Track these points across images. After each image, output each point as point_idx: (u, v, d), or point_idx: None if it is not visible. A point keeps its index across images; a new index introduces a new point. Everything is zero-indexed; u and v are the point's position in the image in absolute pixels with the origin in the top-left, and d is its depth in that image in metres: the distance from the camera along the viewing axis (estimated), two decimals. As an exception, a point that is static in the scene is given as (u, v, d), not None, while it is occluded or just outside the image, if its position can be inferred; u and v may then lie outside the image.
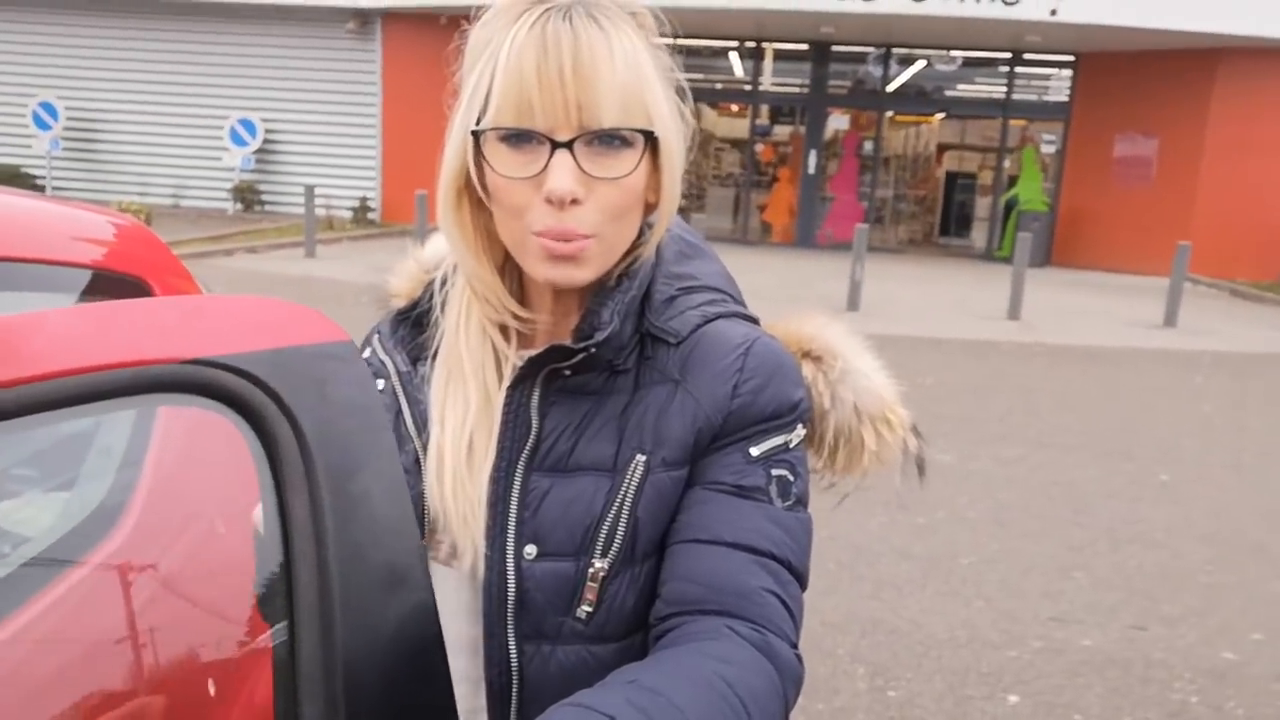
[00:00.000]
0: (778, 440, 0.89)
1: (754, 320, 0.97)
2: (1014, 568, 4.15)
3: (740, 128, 17.47)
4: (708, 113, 18.12)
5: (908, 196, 18.32)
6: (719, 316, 0.93)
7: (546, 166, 0.82)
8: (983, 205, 17.16)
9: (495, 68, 0.82)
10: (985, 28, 13.80)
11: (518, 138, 0.82)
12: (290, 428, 0.66)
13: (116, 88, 16.25)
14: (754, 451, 0.88)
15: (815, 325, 1.02)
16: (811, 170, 16.33)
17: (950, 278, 13.65)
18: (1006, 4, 12.81)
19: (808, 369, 0.97)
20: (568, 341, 0.87)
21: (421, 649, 0.74)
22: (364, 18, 15.47)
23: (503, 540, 0.87)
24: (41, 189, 16.10)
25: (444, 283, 0.96)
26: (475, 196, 0.89)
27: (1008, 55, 15.65)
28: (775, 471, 0.88)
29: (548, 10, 0.82)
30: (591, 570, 0.86)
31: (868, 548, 4.24)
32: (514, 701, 0.88)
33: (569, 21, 0.81)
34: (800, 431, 0.91)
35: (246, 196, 15.87)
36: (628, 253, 0.91)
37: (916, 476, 1.04)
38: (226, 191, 15.98)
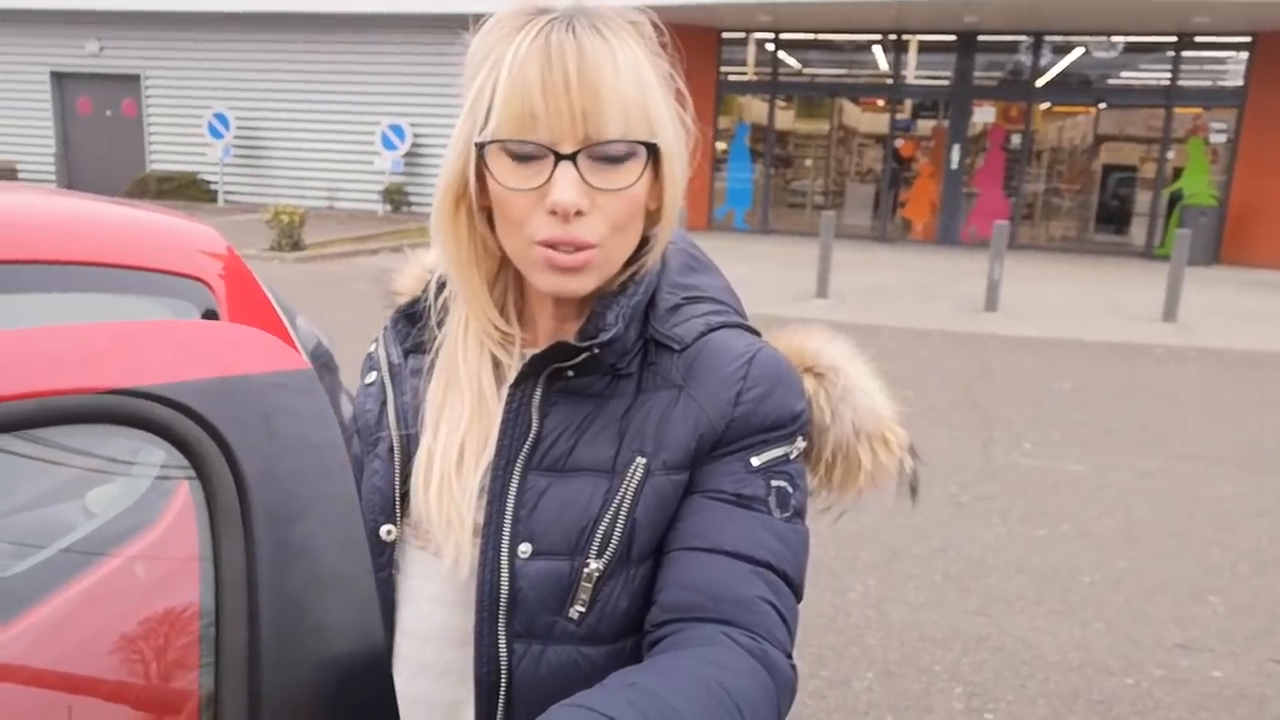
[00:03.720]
0: (779, 451, 0.89)
1: (755, 333, 0.97)
2: (1141, 588, 3.91)
3: (881, 123, 16.98)
4: (849, 108, 17.70)
5: (1061, 191, 17.38)
6: (722, 326, 0.93)
7: (550, 178, 0.82)
8: (1143, 200, 16.10)
9: (498, 78, 0.82)
10: (1148, 9, 12.96)
11: (521, 149, 0.83)
12: (228, 465, 0.63)
13: (279, 98, 17.30)
14: (755, 461, 0.88)
15: (819, 341, 1.01)
16: (955, 165, 15.75)
17: (1103, 277, 12.90)
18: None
19: (810, 384, 0.97)
20: (572, 339, 0.88)
21: (369, 712, 0.70)
22: (506, 23, 15.89)
23: (498, 538, 0.87)
24: (214, 195, 17.33)
25: (443, 285, 0.98)
26: (471, 206, 0.90)
27: (1173, 39, 14.65)
28: (775, 483, 0.88)
29: (551, 20, 0.82)
30: (586, 571, 0.86)
31: (980, 560, 4.08)
32: (501, 699, 0.89)
33: (572, 32, 0.82)
34: (800, 444, 0.92)
35: (395, 198, 16.60)
36: (629, 262, 0.92)
37: (910, 498, 1.03)
38: (377, 194, 16.76)
